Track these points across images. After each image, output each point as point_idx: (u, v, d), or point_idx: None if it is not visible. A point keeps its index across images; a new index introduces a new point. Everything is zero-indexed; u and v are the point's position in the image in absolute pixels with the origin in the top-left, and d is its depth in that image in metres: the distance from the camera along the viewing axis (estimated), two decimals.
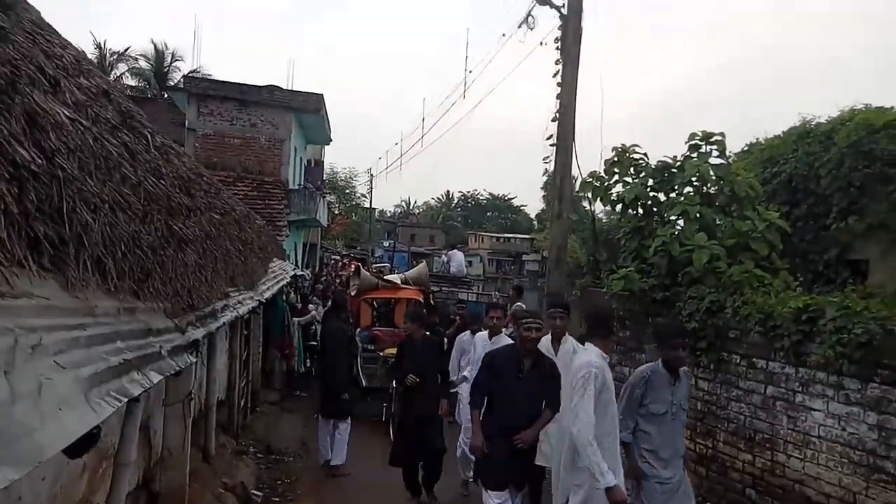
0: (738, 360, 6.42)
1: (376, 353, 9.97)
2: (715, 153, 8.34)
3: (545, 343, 5.35)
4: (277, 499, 6.30)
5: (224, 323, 3.98)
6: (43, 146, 1.53)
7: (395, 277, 11.95)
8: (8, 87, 1.38)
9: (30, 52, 1.64)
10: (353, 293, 10.89)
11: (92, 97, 2.13)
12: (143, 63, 26.54)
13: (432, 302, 12.22)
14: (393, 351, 8.55)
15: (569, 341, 5.46)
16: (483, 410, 4.90)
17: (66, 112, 1.75)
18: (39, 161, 1.46)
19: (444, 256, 23.53)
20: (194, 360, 2.87)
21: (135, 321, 2.10)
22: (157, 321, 2.41)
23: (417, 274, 12.06)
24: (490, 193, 77.28)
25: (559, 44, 10.01)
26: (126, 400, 1.62)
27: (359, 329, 10.49)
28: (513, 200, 75.84)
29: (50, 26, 2.49)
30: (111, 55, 25.74)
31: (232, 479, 5.80)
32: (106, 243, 1.90)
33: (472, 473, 6.82)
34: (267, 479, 6.73)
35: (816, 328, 5.47)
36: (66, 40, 2.54)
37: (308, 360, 11.43)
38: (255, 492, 6.09)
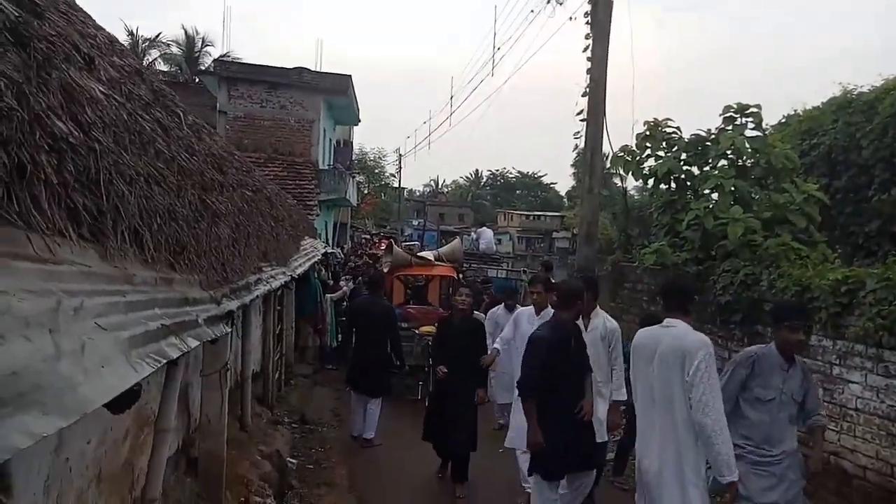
0: (772, 334, 6.31)
1: (411, 330, 9.71)
2: (750, 125, 8.16)
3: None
4: (312, 466, 6.49)
5: (258, 296, 4.08)
6: (79, 120, 1.59)
7: (429, 254, 11.57)
8: (45, 61, 1.43)
9: (65, 31, 1.69)
10: (385, 270, 10.67)
11: (125, 75, 2.19)
12: (174, 49, 26.92)
13: (465, 280, 11.92)
14: (429, 329, 8.54)
15: (599, 315, 5.46)
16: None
17: (100, 88, 1.81)
18: (77, 134, 1.52)
19: (473, 234, 23.53)
20: (230, 329, 2.96)
21: (172, 291, 2.17)
22: (193, 292, 2.49)
23: (451, 250, 11.63)
24: (519, 171, 76.70)
25: (589, 18, 9.82)
26: (165, 362, 1.69)
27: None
28: (542, 178, 75.17)
29: (83, 10, 2.56)
30: (143, 42, 26.14)
31: (268, 447, 5.98)
32: (142, 215, 1.97)
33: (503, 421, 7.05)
34: (301, 447, 6.92)
35: (856, 300, 5.35)
36: (98, 24, 2.61)
37: (340, 336, 11.59)
38: (291, 459, 6.28)
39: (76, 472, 2.70)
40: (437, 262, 10.82)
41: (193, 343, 2.06)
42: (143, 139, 2.06)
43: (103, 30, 2.70)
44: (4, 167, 1.24)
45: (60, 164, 1.44)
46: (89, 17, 2.66)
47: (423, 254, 11.54)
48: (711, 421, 3.54)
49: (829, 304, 5.54)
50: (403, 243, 32.93)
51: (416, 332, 9.33)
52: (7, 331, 0.98)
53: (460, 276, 12.03)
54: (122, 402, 1.50)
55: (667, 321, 3.91)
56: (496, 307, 7.68)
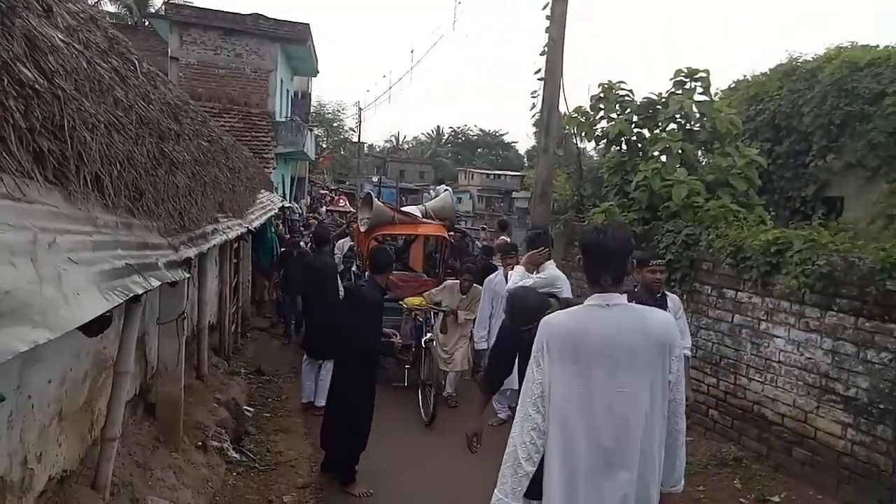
0: (709, 291, 6.73)
1: (395, 302, 8.14)
2: (699, 90, 8.42)
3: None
4: (268, 414, 6.67)
5: (214, 245, 4.16)
6: (42, 67, 1.66)
7: (415, 209, 9.60)
8: (8, 10, 1.50)
9: None
10: (362, 228, 8.78)
11: (81, 22, 2.22)
12: None
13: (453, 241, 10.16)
14: (416, 301, 7.55)
15: (548, 268, 5.57)
16: None
17: (60, 36, 1.86)
18: (42, 81, 1.59)
19: (432, 192, 23.60)
20: (188, 275, 3.07)
21: (132, 235, 2.27)
22: (151, 237, 2.59)
23: (442, 205, 9.58)
24: (481, 129, 76.53)
25: None
26: (131, 295, 1.81)
27: (367, 272, 9.16)
28: (504, 137, 75.23)
29: None
30: None
31: (224, 395, 6.12)
32: (103, 161, 2.05)
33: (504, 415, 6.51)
34: (258, 397, 7.08)
35: (783, 260, 5.74)
36: None
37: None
38: (247, 408, 6.43)
39: (38, 409, 2.82)
40: (424, 220, 9.01)
41: (155, 283, 2.18)
42: (102, 87, 2.12)
43: None
44: None
45: (27, 109, 1.52)
46: None
47: (408, 209, 9.63)
48: (683, 421, 2.65)
49: (760, 263, 5.93)
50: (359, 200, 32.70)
51: (402, 304, 7.79)
52: None
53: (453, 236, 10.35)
54: (95, 327, 1.62)
55: (607, 297, 2.51)
56: (492, 273, 6.94)
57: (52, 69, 1.69)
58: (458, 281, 7.52)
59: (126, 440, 3.98)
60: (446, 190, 11.20)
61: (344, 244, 10.56)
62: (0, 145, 1.45)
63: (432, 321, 7.55)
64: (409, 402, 7.03)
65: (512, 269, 6.11)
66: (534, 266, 5.58)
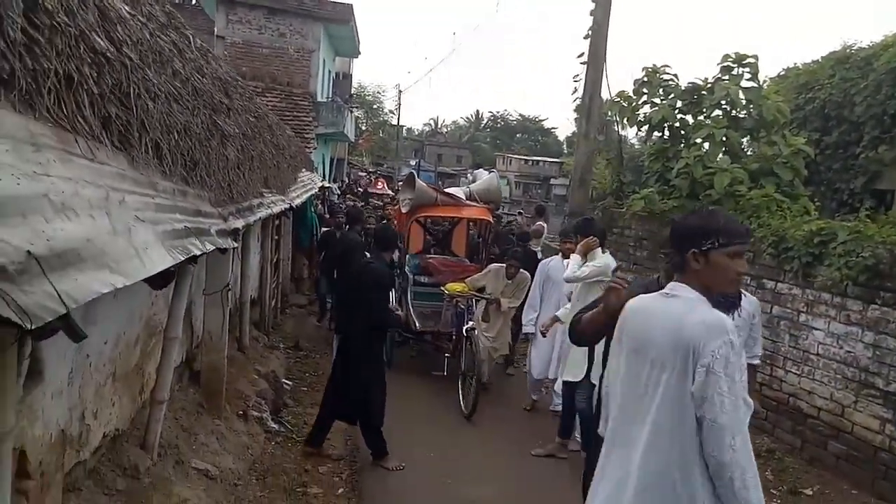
0: (748, 281, 6.63)
1: (435, 288, 7.90)
2: (747, 76, 8.22)
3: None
4: (306, 388, 6.85)
5: (259, 218, 4.30)
6: (112, 37, 1.76)
7: (459, 191, 9.07)
8: None
9: None
10: (403, 209, 8.43)
11: None
12: None
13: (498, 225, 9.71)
14: (458, 287, 7.20)
15: (599, 256, 5.23)
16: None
17: (126, 8, 1.97)
18: (112, 49, 1.70)
19: (470, 176, 23.58)
20: (236, 244, 3.19)
21: (187, 202, 2.39)
22: (204, 206, 2.71)
23: (487, 188, 8.99)
24: (520, 114, 75.84)
25: None
26: (191, 255, 1.93)
27: (408, 256, 8.52)
28: (543, 122, 74.42)
29: None
30: None
31: (264, 368, 6.32)
32: (163, 130, 2.16)
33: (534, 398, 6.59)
34: (296, 371, 7.27)
35: (826, 251, 5.62)
36: None
37: None
38: (286, 381, 6.63)
39: (95, 367, 2.99)
40: (468, 202, 8.52)
41: (210, 247, 2.29)
42: (162, 58, 2.23)
43: None
44: (56, 77, 1.43)
45: (100, 76, 1.63)
46: None
47: (452, 190, 9.11)
48: (726, 450, 1.99)
49: (802, 253, 5.81)
50: (399, 183, 32.88)
51: (444, 290, 7.41)
52: (79, 208, 1.20)
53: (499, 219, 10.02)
54: (160, 280, 1.74)
55: (674, 286, 2.28)
56: (549, 258, 6.72)
57: (121, 39, 1.79)
58: (503, 265, 7.16)
59: (172, 405, 4.17)
60: (491, 172, 10.48)
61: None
62: (77, 110, 1.56)
63: (474, 308, 7.22)
64: (449, 393, 6.78)
65: (570, 253, 5.82)
66: (587, 253, 5.29)
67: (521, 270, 7.03)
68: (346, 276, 6.55)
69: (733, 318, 3.76)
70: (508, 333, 7.19)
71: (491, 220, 8.68)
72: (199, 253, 2.08)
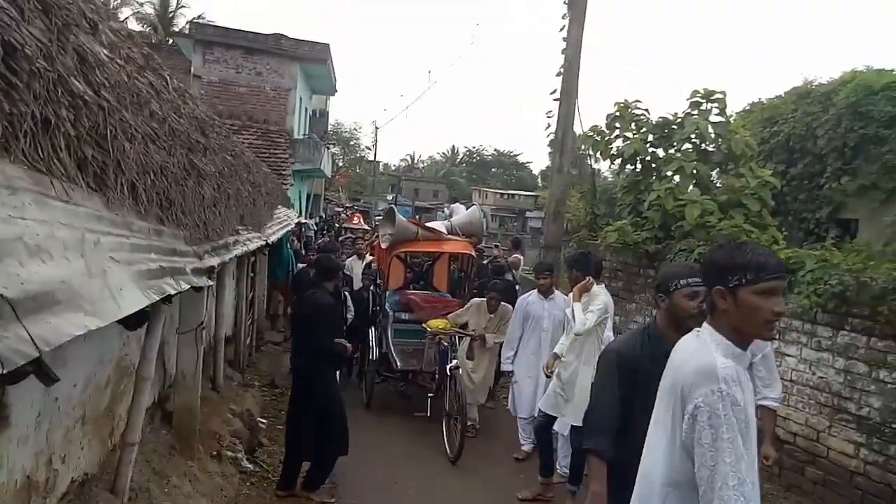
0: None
1: (415, 324, 7.64)
2: (715, 111, 8.51)
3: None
4: (281, 426, 6.70)
5: (235, 256, 4.28)
6: (90, 80, 1.78)
7: (439, 225, 8.85)
8: (63, 27, 1.62)
9: None
10: (383, 245, 8.21)
11: (122, 38, 2.37)
12: (147, 8, 26.31)
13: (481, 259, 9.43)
14: (440, 324, 6.95)
15: (601, 293, 5.05)
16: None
17: (104, 51, 1.99)
18: (90, 93, 1.72)
19: (446, 210, 23.76)
20: (212, 282, 3.17)
21: (162, 241, 2.39)
22: (179, 245, 2.70)
23: (469, 220, 8.77)
24: (496, 149, 76.99)
25: None
26: (165, 294, 1.92)
27: (388, 292, 8.33)
28: (518, 157, 75.57)
29: None
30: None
31: (239, 407, 6.19)
32: (139, 170, 2.17)
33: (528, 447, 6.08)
34: (271, 409, 7.14)
35: (795, 279, 5.76)
36: None
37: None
38: (261, 419, 6.50)
39: (64, 411, 2.92)
40: (450, 237, 8.31)
41: (185, 286, 2.28)
42: (140, 100, 2.25)
43: None
44: (33, 120, 1.45)
45: (77, 118, 1.64)
46: None
47: (433, 224, 8.93)
48: None
49: None
50: (376, 217, 32.99)
51: (425, 327, 7.17)
52: (54, 251, 1.20)
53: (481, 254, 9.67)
54: (134, 321, 1.71)
55: (701, 328, 2.11)
56: (527, 293, 6.37)
57: (99, 82, 1.81)
58: (484, 300, 6.97)
59: (143, 447, 4.06)
60: (472, 205, 10.14)
61: (352, 263, 9.74)
62: (53, 152, 1.57)
63: (458, 345, 6.97)
64: (433, 436, 6.51)
65: (545, 288, 5.98)
66: (582, 294, 5.07)
67: (503, 303, 6.86)
68: (295, 310, 6.60)
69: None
70: (492, 370, 6.98)
71: (473, 254, 8.49)
72: (174, 292, 2.07)
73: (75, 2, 1.93)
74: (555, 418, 5.07)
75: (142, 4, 26.23)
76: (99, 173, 1.89)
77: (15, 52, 1.31)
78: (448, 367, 6.46)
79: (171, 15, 26.45)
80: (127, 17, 25.79)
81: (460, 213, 17.80)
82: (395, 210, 8.55)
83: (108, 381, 3.59)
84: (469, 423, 6.55)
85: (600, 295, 5.01)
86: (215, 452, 5.18)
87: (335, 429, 5.16)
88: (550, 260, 8.25)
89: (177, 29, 24.04)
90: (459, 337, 6.94)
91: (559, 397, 4.98)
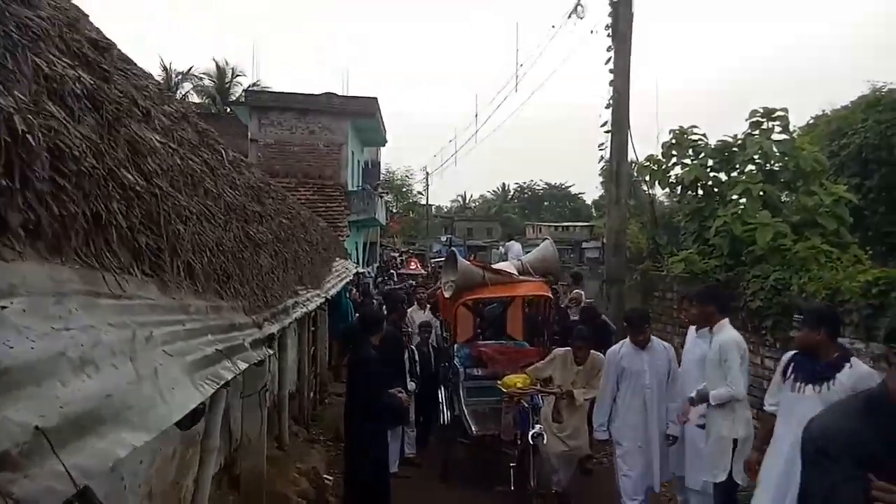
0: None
1: (491, 381, 6.68)
2: (777, 129, 8.15)
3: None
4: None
5: (294, 319, 4.27)
6: (142, 169, 1.79)
7: (509, 265, 7.98)
8: (114, 121, 1.63)
9: (125, 88, 1.90)
10: (447, 294, 7.42)
11: (175, 121, 2.41)
12: (206, 81, 27.89)
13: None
14: (517, 380, 6.04)
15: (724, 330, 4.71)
16: None
17: (157, 137, 2.01)
18: (141, 182, 1.71)
19: (501, 248, 23.64)
20: (272, 352, 3.14)
21: (220, 318, 2.36)
22: (237, 317, 2.68)
23: (542, 257, 7.89)
24: (546, 183, 76.61)
25: (610, 30, 9.95)
26: (222, 382, 1.87)
27: (456, 345, 7.49)
28: (570, 188, 74.95)
29: (130, 59, 2.80)
30: (176, 75, 27.14)
31: (305, 465, 6.14)
32: (194, 250, 2.16)
33: None
34: (337, 464, 7.05)
35: (887, 301, 5.30)
36: (146, 71, 2.84)
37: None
38: (327, 476, 6.42)
39: (130, 489, 2.89)
40: (522, 278, 7.46)
41: (243, 365, 2.24)
42: (194, 180, 2.26)
43: (151, 77, 2.94)
44: (84, 217, 1.43)
45: (129, 209, 1.63)
46: (135, 64, 2.91)
47: (501, 265, 8.12)
48: None
49: (861, 305, 5.49)
50: (432, 259, 33.15)
51: (500, 385, 6.20)
52: (99, 359, 1.15)
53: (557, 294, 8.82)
54: (189, 420, 1.67)
55: None
56: (618, 345, 5.50)
57: (151, 169, 1.81)
58: (569, 349, 6.05)
59: None
60: (545, 239, 9.17)
61: (413, 314, 8.87)
62: (105, 246, 1.55)
63: (541, 404, 6.04)
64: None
65: (645, 341, 5.18)
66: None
67: (593, 352, 5.92)
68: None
69: (823, 389, 3.54)
70: (587, 430, 5.94)
71: (550, 295, 7.50)
72: (230, 377, 2.02)
73: (127, 92, 1.96)
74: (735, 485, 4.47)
75: (201, 78, 27.81)
76: (153, 259, 1.88)
77: (63, 155, 1.29)
78: (531, 434, 5.58)
79: (227, 85, 27.90)
80: (188, 92, 27.40)
81: (516, 250, 17.44)
82: (457, 254, 7.69)
83: (175, 453, 3.58)
84: (561, 493, 5.89)
85: (725, 329, 4.67)
86: None
87: (376, 491, 5.03)
88: (639, 308, 7.24)
89: (233, 97, 25.27)
90: (543, 396, 5.99)
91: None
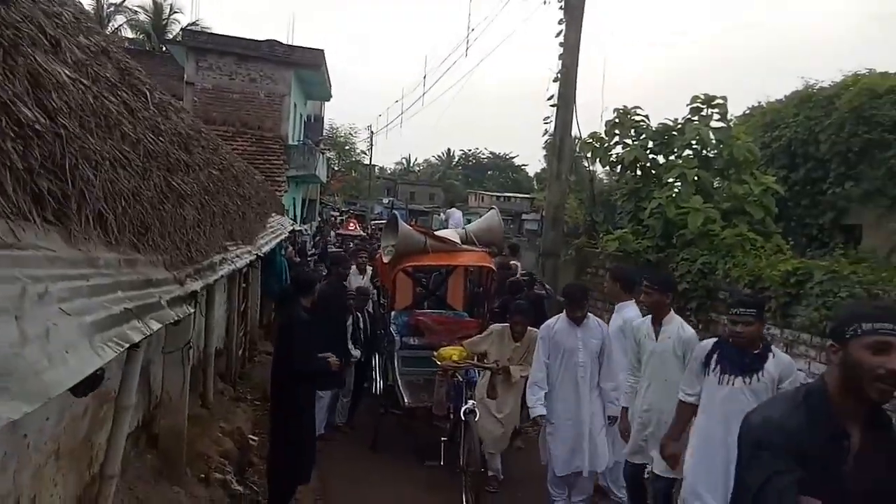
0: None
1: (427, 351, 6.49)
2: (716, 116, 8.37)
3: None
4: None
5: (222, 276, 4.10)
6: (45, 105, 1.60)
7: (452, 233, 7.59)
8: (11, 48, 1.44)
9: (31, 13, 1.69)
10: (385, 259, 7.09)
11: (91, 55, 2.19)
12: (141, 16, 26.12)
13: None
14: (453, 352, 5.93)
15: (674, 321, 4.58)
16: None
17: (67, 72, 1.81)
18: (43, 120, 1.53)
19: (442, 215, 23.65)
20: (192, 310, 2.99)
21: (135, 273, 2.20)
22: (156, 273, 2.52)
23: (487, 226, 7.54)
24: (491, 152, 76.83)
25: (563, 3, 9.87)
26: (127, 346, 1.73)
27: (394, 312, 7.30)
28: (514, 159, 75.45)
29: None
30: (108, 7, 25.28)
31: (229, 424, 6.01)
32: (107, 198, 1.98)
33: None
34: (263, 424, 6.95)
35: (804, 291, 5.59)
36: None
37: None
38: (252, 437, 6.32)
39: (34, 447, 2.72)
40: (465, 247, 7.11)
41: (156, 326, 2.10)
42: (108, 122, 2.06)
43: (69, 3, 2.66)
44: None
45: (26, 150, 1.46)
46: None
47: (444, 233, 7.68)
48: None
49: (779, 294, 5.78)
50: (372, 221, 32.80)
51: (434, 357, 6.08)
52: None
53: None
54: (85, 387, 1.54)
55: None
56: (552, 318, 5.28)
57: (56, 107, 1.63)
58: (506, 325, 5.83)
59: (126, 473, 3.88)
60: (491, 208, 8.60)
61: (352, 278, 8.40)
62: None
63: (475, 379, 5.89)
64: (447, 491, 5.52)
65: (581, 317, 5.00)
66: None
67: (531, 329, 5.62)
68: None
69: (752, 381, 3.56)
70: (519, 410, 5.77)
71: (493, 266, 7.23)
72: (139, 339, 1.88)
73: (33, 18, 1.75)
74: (643, 466, 4.55)
75: (136, 12, 26.01)
76: (58, 206, 1.71)
77: None
78: (463, 409, 5.43)
79: (164, 22, 26.23)
80: (121, 25, 25.59)
81: (457, 218, 17.22)
82: (399, 217, 7.23)
83: (86, 410, 3.40)
84: (490, 475, 5.68)
85: (676, 321, 4.56)
86: (203, 475, 5.00)
87: (301, 455, 4.95)
88: (579, 283, 7.07)
89: (170, 36, 23.80)
90: (479, 370, 5.79)
91: (643, 444, 4.51)
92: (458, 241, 7.12)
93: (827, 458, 1.78)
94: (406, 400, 6.21)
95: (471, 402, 5.52)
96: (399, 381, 6.44)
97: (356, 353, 6.77)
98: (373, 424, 6.67)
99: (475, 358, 5.79)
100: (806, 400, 1.93)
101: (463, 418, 5.42)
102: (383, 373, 6.84)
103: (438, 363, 5.92)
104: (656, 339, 4.50)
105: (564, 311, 5.12)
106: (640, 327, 4.68)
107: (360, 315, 7.03)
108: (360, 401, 7.30)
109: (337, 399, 6.97)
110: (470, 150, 78.29)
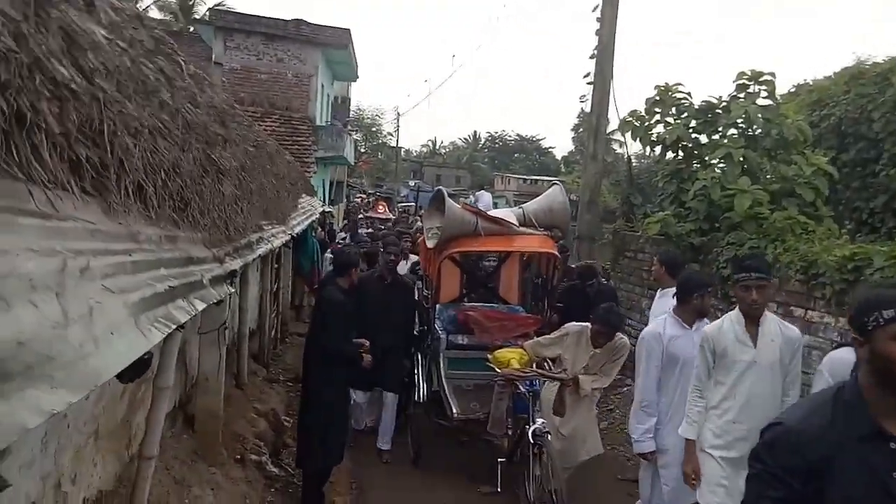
0: (775, 309, 6.29)
1: (477, 352, 5.57)
2: (763, 94, 7.99)
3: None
4: None
5: (259, 255, 4.01)
6: (81, 65, 1.47)
7: (508, 213, 6.45)
8: (43, 0, 1.31)
9: None
10: (429, 243, 5.99)
11: (126, 19, 2.05)
12: None
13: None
14: (512, 355, 5.01)
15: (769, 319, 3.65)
16: None
17: (102, 32, 1.68)
18: (79, 80, 1.40)
19: (471, 197, 23.35)
20: (233, 290, 2.88)
21: (176, 249, 2.08)
22: (196, 251, 2.41)
23: (549, 206, 6.31)
24: (518, 134, 75.97)
25: None
26: (174, 327, 1.62)
27: (438, 306, 6.27)
28: (541, 142, 74.49)
29: None
30: None
31: (264, 406, 6.01)
32: (146, 170, 1.86)
33: None
34: (296, 406, 6.93)
35: (862, 277, 5.30)
36: None
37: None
38: (286, 417, 6.31)
39: (74, 428, 2.67)
40: (522, 230, 6.02)
41: (200, 305, 1.99)
42: (146, 89, 1.93)
43: None
44: (3, 114, 1.13)
45: (62, 112, 1.32)
46: None
47: (499, 213, 6.49)
48: None
49: (835, 280, 5.49)
50: (399, 203, 32.67)
51: (489, 361, 5.16)
52: (11, 295, 0.88)
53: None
54: (132, 372, 1.43)
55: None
56: (656, 323, 4.34)
57: (92, 67, 1.49)
58: (586, 325, 4.88)
59: (163, 454, 3.85)
60: (554, 184, 7.37)
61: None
62: (33, 154, 1.25)
63: (538, 388, 5.01)
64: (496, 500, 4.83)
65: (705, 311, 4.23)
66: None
67: (619, 335, 4.82)
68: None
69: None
70: (596, 428, 5.02)
71: (557, 253, 6.11)
72: (185, 319, 1.76)
73: None
74: None
75: None
76: (97, 176, 1.58)
77: None
78: (531, 430, 4.52)
79: (191, 3, 26.23)
80: (148, 6, 25.66)
81: (486, 200, 16.53)
82: (445, 194, 6.07)
83: (125, 390, 3.34)
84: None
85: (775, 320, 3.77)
86: (239, 456, 5.00)
87: (333, 437, 4.90)
88: (696, 272, 5.89)
89: (197, 16, 23.81)
90: (543, 381, 4.94)
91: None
92: (514, 222, 6.08)
93: (865, 460, 1.60)
94: (454, 410, 5.39)
95: (539, 420, 4.61)
96: (445, 387, 5.58)
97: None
98: (414, 437, 5.89)
99: (544, 364, 4.94)
100: (835, 398, 1.74)
101: (532, 441, 4.51)
102: (427, 376, 5.98)
103: (497, 370, 4.98)
104: (754, 344, 3.54)
105: (672, 309, 4.24)
106: (724, 333, 3.62)
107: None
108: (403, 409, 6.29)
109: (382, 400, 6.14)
110: (497, 133, 77.58)
